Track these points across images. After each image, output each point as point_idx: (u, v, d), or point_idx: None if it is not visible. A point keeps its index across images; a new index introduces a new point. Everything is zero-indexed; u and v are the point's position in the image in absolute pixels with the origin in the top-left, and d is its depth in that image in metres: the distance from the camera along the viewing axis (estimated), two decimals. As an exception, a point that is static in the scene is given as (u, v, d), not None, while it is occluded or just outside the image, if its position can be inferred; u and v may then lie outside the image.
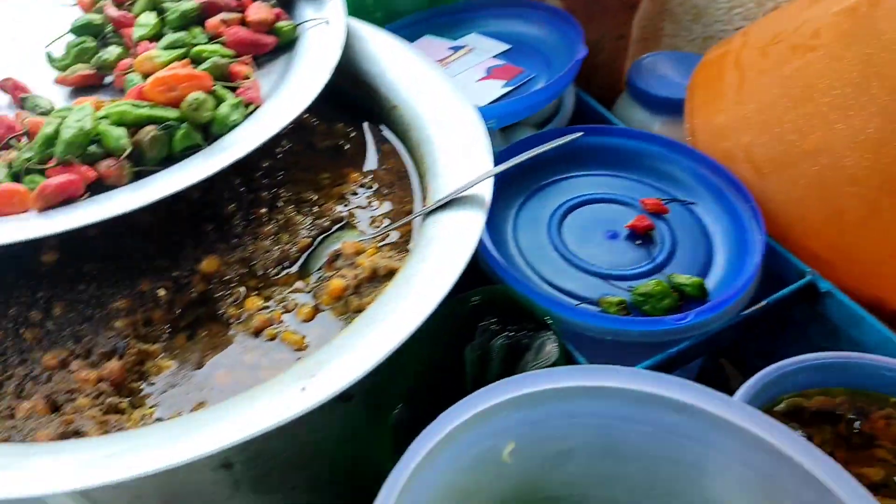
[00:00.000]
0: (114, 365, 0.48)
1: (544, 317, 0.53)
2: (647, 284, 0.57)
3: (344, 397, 0.41)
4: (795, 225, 0.66)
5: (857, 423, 0.53)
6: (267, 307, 0.53)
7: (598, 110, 0.75)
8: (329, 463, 0.53)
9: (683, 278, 0.58)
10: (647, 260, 0.61)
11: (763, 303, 0.56)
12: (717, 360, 0.73)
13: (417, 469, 0.40)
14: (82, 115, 0.53)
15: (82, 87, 0.62)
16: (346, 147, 0.64)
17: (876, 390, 0.54)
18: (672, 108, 0.77)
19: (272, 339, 0.51)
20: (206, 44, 0.61)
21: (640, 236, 0.62)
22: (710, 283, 0.59)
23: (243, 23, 0.63)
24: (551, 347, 0.52)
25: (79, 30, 0.65)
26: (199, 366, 0.50)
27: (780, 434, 0.40)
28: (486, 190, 0.52)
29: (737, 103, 0.71)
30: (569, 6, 0.80)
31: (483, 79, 0.72)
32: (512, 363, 0.55)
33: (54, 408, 0.47)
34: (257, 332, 0.52)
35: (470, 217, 0.51)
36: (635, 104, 0.80)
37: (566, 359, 0.53)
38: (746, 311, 0.56)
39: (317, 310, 0.52)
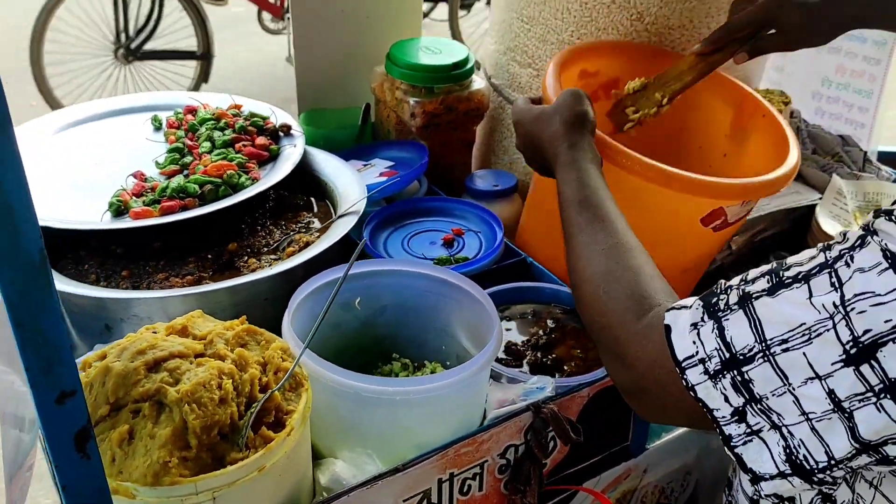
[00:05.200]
0: (189, 279, 1.09)
1: (386, 265, 1.14)
2: (441, 258, 1.19)
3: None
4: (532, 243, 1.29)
5: (530, 316, 1.13)
6: (258, 262, 1.14)
7: (436, 190, 1.41)
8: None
9: (460, 256, 1.20)
10: (447, 252, 1.23)
11: (495, 266, 1.18)
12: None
13: (303, 301, 0.99)
14: (179, 179, 1.18)
15: (171, 175, 1.27)
16: (300, 203, 1.28)
17: (545, 302, 1.15)
18: (487, 196, 1.42)
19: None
20: (234, 154, 1.27)
21: (446, 243, 1.25)
22: (476, 257, 1.21)
23: (253, 145, 1.30)
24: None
25: (172, 150, 1.31)
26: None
27: (469, 284, 1.01)
28: (358, 209, 1.16)
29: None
30: (430, 144, 1.47)
31: (376, 177, 1.38)
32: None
33: (163, 292, 1.07)
34: (252, 271, 1.13)
35: (350, 219, 1.14)
36: (468, 196, 1.46)
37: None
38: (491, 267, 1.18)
39: (279, 260, 1.14)
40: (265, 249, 1.17)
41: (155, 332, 0.82)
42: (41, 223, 1.10)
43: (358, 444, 0.88)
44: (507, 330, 1.11)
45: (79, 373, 0.79)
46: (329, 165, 1.32)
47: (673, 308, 0.70)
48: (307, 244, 1.15)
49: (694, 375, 0.65)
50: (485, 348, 0.88)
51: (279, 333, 0.92)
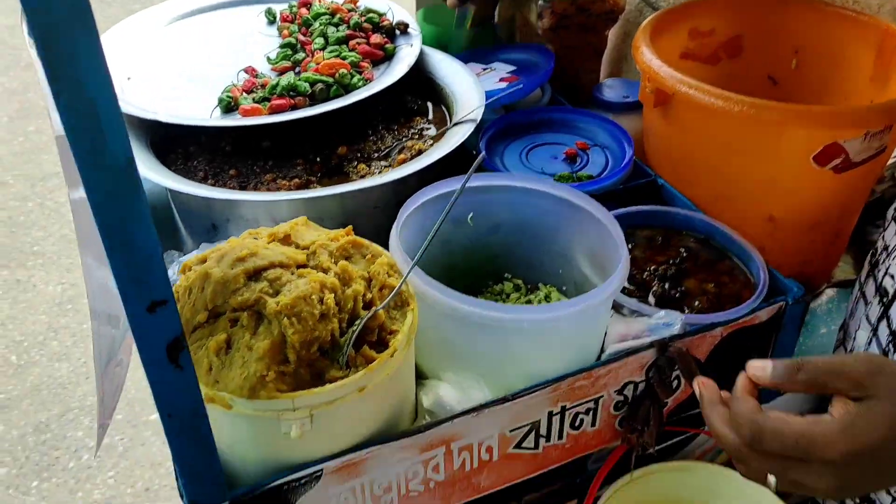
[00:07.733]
0: (296, 182, 1.04)
1: (502, 178, 1.05)
2: (563, 174, 1.09)
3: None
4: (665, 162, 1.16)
5: (658, 243, 1.03)
6: (368, 168, 1.08)
7: (560, 100, 1.29)
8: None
9: (583, 173, 1.10)
10: (568, 168, 1.13)
11: (621, 186, 1.07)
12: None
13: (413, 213, 0.91)
14: (289, 77, 1.12)
15: (282, 72, 1.21)
16: (414, 107, 1.20)
17: (676, 228, 1.04)
18: (616, 108, 1.30)
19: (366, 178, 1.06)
20: (348, 52, 1.19)
21: (568, 158, 1.15)
22: (602, 176, 1.10)
23: (368, 43, 1.21)
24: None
25: (284, 46, 1.25)
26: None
27: (594, 206, 0.91)
28: (476, 116, 1.07)
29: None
30: (556, 50, 1.35)
31: (496, 82, 1.28)
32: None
33: (270, 194, 1.03)
34: (362, 177, 1.07)
35: (467, 127, 1.06)
36: (595, 107, 1.33)
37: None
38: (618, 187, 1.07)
39: (390, 167, 1.07)
40: (375, 155, 1.11)
41: (257, 239, 0.78)
42: (152, 117, 1.08)
43: (464, 367, 0.82)
44: (632, 257, 1.01)
45: (179, 276, 0.76)
46: (446, 68, 1.22)
47: None
48: (420, 152, 1.07)
49: None
50: (610, 279, 0.79)
51: (386, 242, 0.85)
